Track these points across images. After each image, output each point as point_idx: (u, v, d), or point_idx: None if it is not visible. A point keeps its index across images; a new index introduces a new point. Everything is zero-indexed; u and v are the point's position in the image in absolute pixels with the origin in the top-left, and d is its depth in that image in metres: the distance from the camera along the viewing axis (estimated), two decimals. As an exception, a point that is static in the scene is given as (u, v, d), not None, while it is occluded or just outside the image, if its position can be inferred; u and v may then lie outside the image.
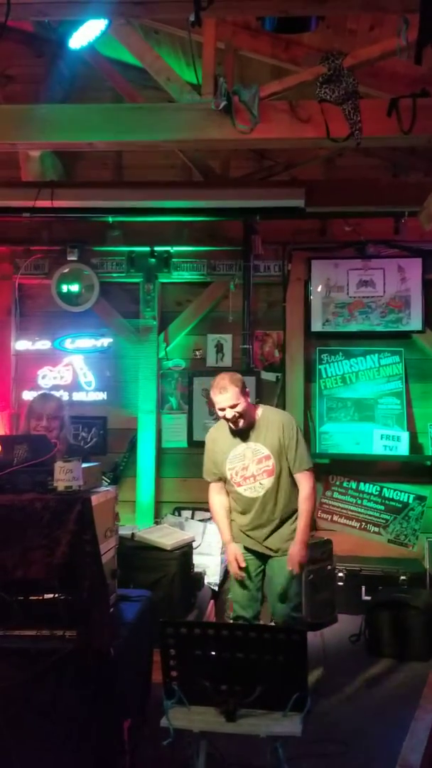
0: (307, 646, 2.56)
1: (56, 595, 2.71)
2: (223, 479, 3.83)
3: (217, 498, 3.88)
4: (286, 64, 4.78)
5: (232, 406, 3.58)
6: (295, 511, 3.76)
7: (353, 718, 3.72)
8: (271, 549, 3.76)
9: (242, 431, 3.71)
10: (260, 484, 3.71)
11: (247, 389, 3.70)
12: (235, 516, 3.86)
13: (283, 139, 3.92)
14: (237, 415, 3.61)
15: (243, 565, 3.73)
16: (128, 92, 5.09)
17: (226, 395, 3.57)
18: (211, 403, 5.79)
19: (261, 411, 3.80)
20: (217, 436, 3.85)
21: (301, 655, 2.51)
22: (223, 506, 3.86)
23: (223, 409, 3.61)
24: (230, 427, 3.71)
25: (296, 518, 3.75)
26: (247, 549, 3.80)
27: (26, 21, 5.03)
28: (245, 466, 3.72)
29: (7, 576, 2.68)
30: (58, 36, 5.19)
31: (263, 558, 3.81)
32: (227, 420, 3.65)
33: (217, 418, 3.83)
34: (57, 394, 5.83)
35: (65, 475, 2.83)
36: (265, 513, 3.73)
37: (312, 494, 3.77)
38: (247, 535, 3.79)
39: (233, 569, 3.76)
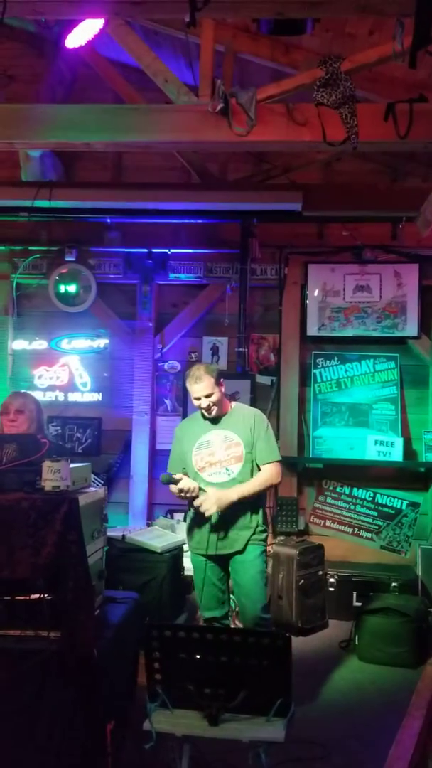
0: (292, 651, 2.54)
1: (41, 596, 2.70)
2: (186, 474, 3.78)
3: None
4: (286, 67, 4.79)
5: (207, 396, 3.67)
6: (258, 509, 3.74)
7: (339, 725, 3.70)
8: (231, 548, 3.68)
9: (214, 419, 3.77)
10: (227, 470, 3.71)
11: (222, 380, 3.78)
12: (191, 518, 3.79)
13: (280, 141, 3.94)
14: (211, 404, 3.69)
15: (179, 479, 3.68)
16: (128, 93, 5.09)
17: (201, 384, 3.66)
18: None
19: (235, 404, 3.92)
20: (186, 425, 3.94)
21: (286, 660, 2.49)
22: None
23: (198, 399, 3.70)
24: (202, 415, 3.78)
25: (256, 519, 3.71)
26: (208, 557, 3.73)
27: (23, 19, 5.03)
28: (212, 451, 3.74)
29: (-7, 575, 2.67)
30: (58, 36, 5.19)
31: (225, 562, 3.75)
32: (202, 409, 3.73)
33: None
34: (52, 394, 5.94)
35: (53, 475, 2.82)
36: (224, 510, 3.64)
37: (274, 479, 3.76)
38: (207, 538, 3.70)
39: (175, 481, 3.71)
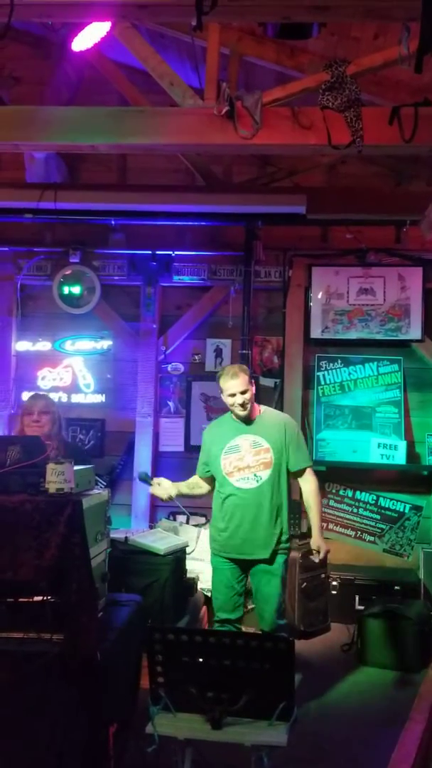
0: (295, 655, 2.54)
1: (44, 598, 2.70)
2: (212, 477, 3.86)
3: (197, 477, 4.00)
4: (291, 70, 4.79)
5: (243, 392, 3.71)
6: (282, 514, 3.75)
7: (342, 729, 3.69)
8: (256, 554, 3.71)
9: (243, 423, 3.79)
10: (255, 476, 3.71)
11: (253, 381, 3.83)
12: (218, 521, 3.82)
13: (285, 145, 3.94)
14: (246, 401, 3.72)
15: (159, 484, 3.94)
16: (133, 95, 5.10)
17: (237, 380, 3.71)
18: (209, 408, 5.87)
19: (263, 408, 3.94)
20: (216, 428, 3.96)
21: (288, 663, 2.49)
22: (198, 479, 3.97)
23: (233, 395, 3.72)
24: (233, 418, 3.81)
25: (280, 526, 3.74)
26: (229, 559, 3.77)
27: (30, 22, 5.04)
28: (241, 456, 3.75)
29: (-4, 577, 2.67)
30: (64, 39, 5.20)
31: (247, 566, 3.78)
32: (235, 406, 3.74)
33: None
34: (56, 395, 5.94)
35: (57, 477, 2.82)
36: (253, 511, 3.69)
37: (319, 488, 3.88)
38: (230, 543, 3.75)
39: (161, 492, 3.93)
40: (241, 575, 3.78)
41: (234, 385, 3.71)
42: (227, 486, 3.74)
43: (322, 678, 4.29)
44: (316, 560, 3.91)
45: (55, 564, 2.66)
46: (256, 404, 3.86)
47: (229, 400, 3.76)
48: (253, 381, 3.83)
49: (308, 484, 3.85)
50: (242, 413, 3.76)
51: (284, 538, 3.76)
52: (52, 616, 2.68)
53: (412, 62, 2.72)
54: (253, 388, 3.79)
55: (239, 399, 3.72)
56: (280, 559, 3.75)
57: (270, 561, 3.71)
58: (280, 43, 4.66)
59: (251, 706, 2.50)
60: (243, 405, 3.73)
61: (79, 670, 2.61)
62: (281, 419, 3.89)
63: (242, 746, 2.51)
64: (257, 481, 3.71)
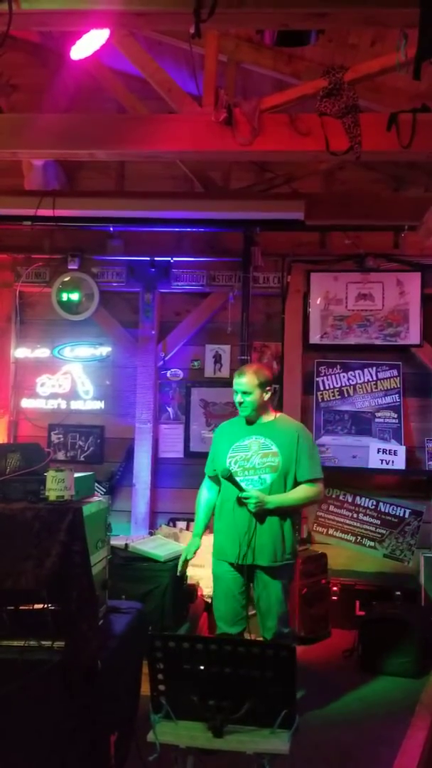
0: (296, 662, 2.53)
1: (45, 606, 2.69)
2: (218, 477, 3.81)
3: (206, 492, 3.96)
4: (288, 77, 4.81)
5: (244, 392, 3.72)
6: (290, 523, 3.69)
7: (344, 736, 3.68)
8: (259, 559, 3.61)
9: (254, 425, 3.78)
10: (260, 479, 3.66)
11: (269, 388, 3.78)
12: (220, 524, 3.76)
13: (283, 151, 3.95)
14: (245, 402, 3.72)
15: (189, 557, 3.90)
16: (131, 103, 5.11)
17: (242, 379, 3.74)
18: (208, 414, 5.88)
19: (279, 414, 3.92)
20: (227, 426, 3.96)
21: (290, 671, 2.48)
22: (208, 503, 3.92)
23: (236, 392, 3.75)
24: (244, 420, 3.81)
25: (285, 533, 3.66)
26: (231, 565, 3.69)
27: (30, 31, 5.07)
28: (248, 457, 3.71)
29: (-4, 585, 2.66)
30: (62, 46, 5.21)
31: (248, 575, 3.67)
32: (236, 403, 3.77)
33: (213, 428, 3.88)
34: (55, 402, 5.94)
35: (57, 485, 2.82)
36: (257, 515, 3.60)
37: (318, 496, 3.81)
38: (231, 548, 3.66)
39: (180, 560, 3.92)
40: (243, 584, 3.68)
41: (236, 384, 3.75)
42: (231, 487, 3.65)
43: (324, 685, 4.27)
44: (243, 494, 3.60)
45: (55, 572, 2.64)
46: (273, 410, 3.86)
47: (234, 396, 3.80)
48: (269, 388, 3.76)
49: (307, 489, 3.70)
50: (242, 413, 3.78)
51: (288, 546, 3.66)
52: (53, 624, 2.67)
53: (410, 69, 2.73)
54: (264, 395, 3.74)
55: (239, 398, 3.74)
56: (284, 569, 3.66)
57: (273, 569, 3.62)
58: (277, 50, 4.68)
59: (253, 713, 2.49)
60: (241, 404, 3.74)
61: (80, 678, 2.60)
62: (296, 427, 3.84)
63: (244, 754, 2.49)
64: (261, 483, 3.65)
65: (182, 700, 2.54)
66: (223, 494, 3.78)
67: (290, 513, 3.71)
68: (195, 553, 3.91)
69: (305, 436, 3.81)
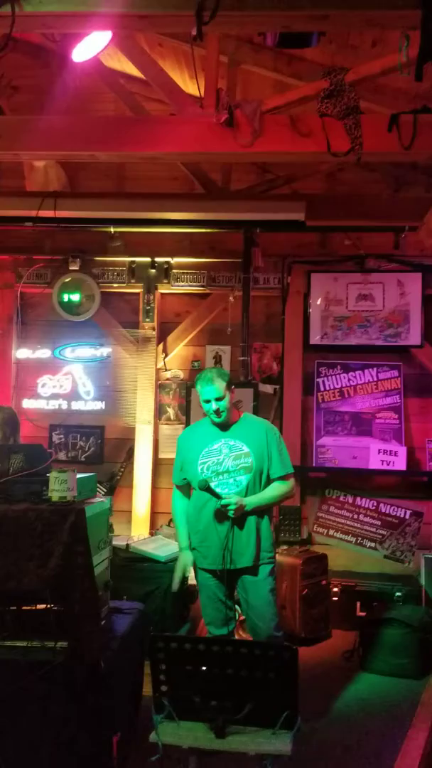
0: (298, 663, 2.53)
1: (47, 607, 2.70)
2: (189, 484, 3.75)
3: (180, 502, 3.85)
4: (289, 78, 4.81)
5: (217, 399, 3.60)
6: (266, 522, 3.64)
7: (344, 737, 3.68)
8: (240, 562, 3.55)
9: (222, 427, 3.69)
10: (235, 481, 3.60)
11: (233, 387, 3.72)
12: (197, 530, 3.66)
13: (284, 152, 3.96)
14: (220, 408, 3.62)
15: (188, 575, 3.71)
16: (132, 104, 5.12)
17: (212, 387, 3.60)
18: (208, 415, 5.86)
19: (243, 413, 3.85)
20: (192, 432, 3.87)
21: (292, 672, 2.49)
22: (185, 513, 3.80)
23: (207, 401, 3.62)
24: (210, 422, 3.71)
25: (263, 532, 3.61)
26: (214, 574, 3.60)
27: (32, 33, 5.07)
28: (219, 460, 3.64)
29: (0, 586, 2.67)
30: (64, 48, 5.22)
31: (232, 578, 3.61)
32: (210, 413, 3.65)
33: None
34: (56, 402, 5.94)
35: (59, 486, 2.83)
36: (234, 519, 3.53)
37: (290, 492, 3.74)
38: (211, 553, 3.59)
39: (177, 576, 3.72)
40: (227, 589, 3.63)
41: (207, 392, 3.60)
42: (204, 494, 3.56)
43: (324, 685, 4.27)
44: (222, 502, 3.51)
45: (58, 573, 2.65)
46: (236, 410, 3.77)
47: (204, 406, 3.66)
48: (233, 388, 3.70)
49: (281, 486, 3.66)
50: (218, 420, 3.65)
51: (267, 545, 3.63)
52: (56, 625, 2.68)
53: (411, 70, 2.74)
54: (231, 395, 3.66)
55: (213, 405, 3.60)
56: (266, 569, 3.61)
57: (254, 571, 3.58)
58: (278, 52, 4.69)
59: (255, 714, 2.50)
60: (218, 412, 3.62)
61: (83, 679, 2.61)
62: (263, 425, 3.77)
63: (246, 755, 2.50)
64: (237, 486, 3.59)
65: (184, 700, 2.54)
66: (195, 502, 3.70)
67: (266, 511, 3.66)
68: (193, 565, 3.75)
69: (273, 432, 3.74)
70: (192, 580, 4.26)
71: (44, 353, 6.01)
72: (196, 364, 5.97)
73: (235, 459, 3.64)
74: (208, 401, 3.62)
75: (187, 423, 5.88)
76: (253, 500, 3.57)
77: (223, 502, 3.49)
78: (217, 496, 3.52)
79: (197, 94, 4.05)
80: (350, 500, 5.74)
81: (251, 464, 3.62)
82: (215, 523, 3.58)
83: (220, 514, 3.55)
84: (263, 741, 2.48)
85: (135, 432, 5.89)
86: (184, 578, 3.74)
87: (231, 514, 3.49)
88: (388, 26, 3.03)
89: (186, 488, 3.84)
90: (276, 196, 5.65)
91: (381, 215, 5.38)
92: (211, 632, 3.69)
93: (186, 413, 5.89)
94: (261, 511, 3.63)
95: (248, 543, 3.57)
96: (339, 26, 3.09)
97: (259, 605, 3.59)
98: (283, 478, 3.68)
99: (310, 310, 5.75)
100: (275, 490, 3.66)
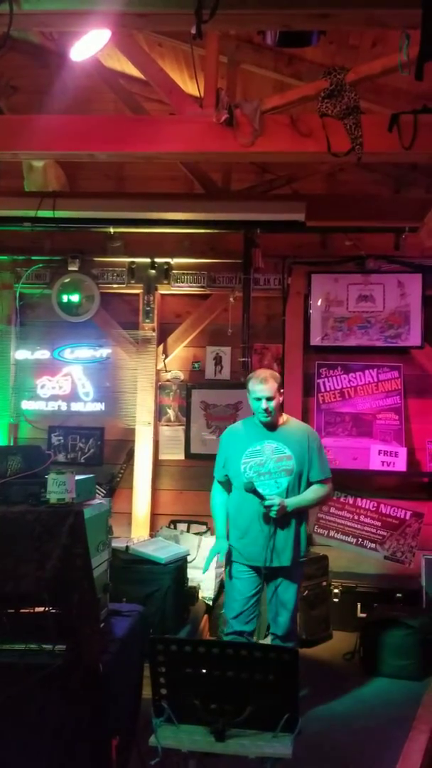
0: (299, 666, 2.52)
1: (46, 609, 2.67)
2: (229, 481, 3.85)
3: (220, 497, 3.96)
4: (289, 78, 4.80)
5: (269, 398, 3.71)
6: (303, 523, 3.77)
7: (345, 739, 3.67)
8: (278, 561, 3.66)
9: (267, 428, 3.79)
10: (276, 482, 3.71)
11: (282, 390, 3.84)
12: (237, 527, 3.78)
13: (284, 152, 3.93)
14: (271, 408, 3.72)
15: (221, 560, 3.83)
16: (131, 104, 5.10)
17: (266, 386, 3.72)
18: (209, 416, 5.85)
19: (287, 417, 3.94)
20: (235, 431, 3.95)
21: (293, 674, 2.47)
22: (224, 506, 3.92)
23: (259, 399, 3.73)
24: (254, 423, 3.82)
25: (300, 534, 3.75)
26: (249, 567, 3.74)
27: (29, 32, 5.06)
28: (262, 462, 3.74)
29: (-3, 589, 2.65)
30: (62, 47, 5.21)
31: (263, 576, 3.72)
32: (260, 411, 3.74)
33: (215, 431, 3.86)
34: (55, 403, 5.93)
35: (58, 487, 2.81)
36: (276, 519, 3.64)
37: (328, 495, 3.90)
38: (250, 550, 3.71)
39: (209, 558, 3.85)
40: (258, 584, 3.74)
41: (260, 390, 3.72)
42: (248, 494, 3.67)
43: (325, 687, 4.25)
44: (266, 503, 3.62)
45: (56, 575, 2.63)
46: (282, 413, 3.89)
47: (254, 405, 3.78)
48: (282, 390, 3.84)
49: (321, 488, 3.81)
50: (266, 419, 3.76)
51: (303, 545, 3.78)
52: (54, 628, 2.66)
53: (412, 69, 2.72)
54: (281, 397, 3.81)
55: (264, 404, 3.73)
56: (298, 569, 3.78)
57: (290, 569, 3.71)
58: (278, 51, 4.67)
59: (255, 717, 2.48)
60: (267, 411, 3.73)
61: (82, 682, 2.59)
62: (305, 429, 3.91)
63: (246, 758, 2.48)
64: (277, 487, 3.70)
65: (184, 703, 2.53)
66: (237, 499, 3.81)
67: (303, 514, 3.79)
68: (225, 556, 3.85)
69: (314, 437, 3.88)
70: (198, 579, 4.29)
71: (43, 354, 6.00)
72: (196, 365, 5.96)
73: (277, 461, 3.74)
74: (259, 399, 3.74)
75: (187, 424, 5.87)
76: (294, 502, 3.68)
77: (267, 503, 3.61)
78: (261, 497, 3.61)
79: (197, 94, 4.03)
80: (351, 501, 5.72)
81: (293, 467, 3.73)
82: (259, 522, 3.68)
83: (264, 515, 3.64)
84: (264, 744, 2.46)
85: (135, 433, 5.88)
86: (215, 561, 3.90)
87: (273, 514, 3.60)
88: (388, 25, 3.01)
89: (226, 484, 3.93)
90: (276, 196, 5.63)
91: (381, 216, 5.38)
92: (233, 627, 3.76)
93: (186, 415, 5.88)
94: (299, 512, 3.74)
95: (286, 543, 3.69)
96: (339, 25, 3.08)
97: (286, 599, 3.73)
98: (322, 481, 3.80)
99: (311, 311, 5.74)
100: (314, 492, 3.79)
